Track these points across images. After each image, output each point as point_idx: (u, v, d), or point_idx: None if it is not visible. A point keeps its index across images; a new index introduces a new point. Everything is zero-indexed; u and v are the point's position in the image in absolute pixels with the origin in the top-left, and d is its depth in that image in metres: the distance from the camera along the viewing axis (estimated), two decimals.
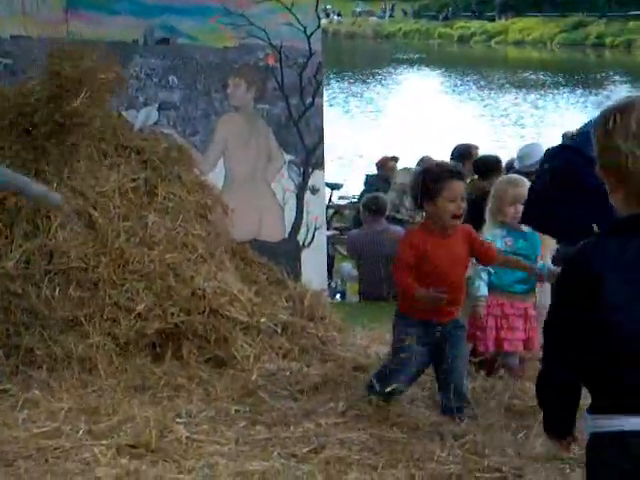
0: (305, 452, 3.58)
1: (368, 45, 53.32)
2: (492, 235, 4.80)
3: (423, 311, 4.15)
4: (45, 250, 5.03)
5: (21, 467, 3.26)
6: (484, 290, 4.64)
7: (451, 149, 8.55)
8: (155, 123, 6.10)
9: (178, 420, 3.89)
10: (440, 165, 4.59)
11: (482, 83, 32.70)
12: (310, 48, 6.29)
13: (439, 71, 38.97)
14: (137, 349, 4.80)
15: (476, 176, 7.39)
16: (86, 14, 5.99)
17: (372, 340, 5.29)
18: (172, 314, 4.91)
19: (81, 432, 3.61)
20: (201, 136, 6.18)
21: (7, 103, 5.55)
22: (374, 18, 59.89)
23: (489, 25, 54.00)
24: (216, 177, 6.14)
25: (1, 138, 5.42)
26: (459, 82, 33.89)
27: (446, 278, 4.17)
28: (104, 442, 3.52)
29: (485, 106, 26.74)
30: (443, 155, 8.78)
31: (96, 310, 4.84)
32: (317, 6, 6.37)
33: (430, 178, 4.26)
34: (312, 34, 6.28)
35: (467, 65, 39.69)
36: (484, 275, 4.61)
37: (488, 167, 7.32)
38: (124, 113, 6.02)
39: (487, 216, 5.05)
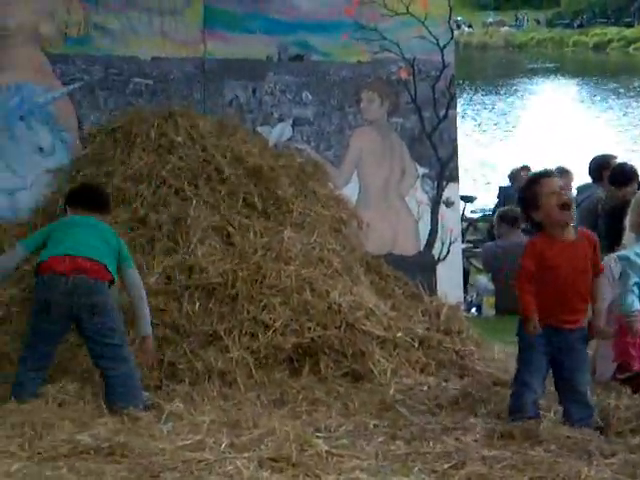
0: (446, 468, 3.52)
1: (500, 55, 52.64)
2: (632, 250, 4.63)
3: (548, 317, 4.06)
4: (185, 266, 5.14)
5: (168, 479, 3.33)
6: (637, 304, 4.45)
7: (588, 160, 8.33)
8: (289, 139, 6.18)
9: (318, 434, 3.89)
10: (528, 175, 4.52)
11: (621, 91, 31.80)
12: (443, 60, 6.27)
13: (575, 80, 38.12)
14: (275, 363, 4.84)
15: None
16: (222, 33, 6.12)
17: (510, 355, 5.18)
18: (309, 329, 4.94)
19: (224, 445, 3.65)
20: (335, 151, 6.22)
21: (147, 123, 5.74)
22: (506, 28, 59.09)
23: (627, 31, 52.55)
24: (350, 191, 6.16)
25: (142, 156, 5.59)
26: (596, 90, 33.06)
27: (570, 286, 4.07)
28: (246, 455, 3.55)
29: (624, 114, 26.00)
30: (580, 166, 8.58)
31: (235, 325, 4.91)
32: (450, 18, 6.33)
33: (524, 188, 4.29)
34: (445, 46, 6.26)
35: (604, 73, 38.68)
36: (636, 289, 4.44)
37: (625, 176, 7.10)
38: (259, 129, 6.13)
39: (627, 226, 4.91)
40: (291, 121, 6.20)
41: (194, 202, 5.40)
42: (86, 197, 4.82)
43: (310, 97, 6.22)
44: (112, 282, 4.50)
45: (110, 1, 6.02)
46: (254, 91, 6.17)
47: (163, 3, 6.05)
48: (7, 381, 4.40)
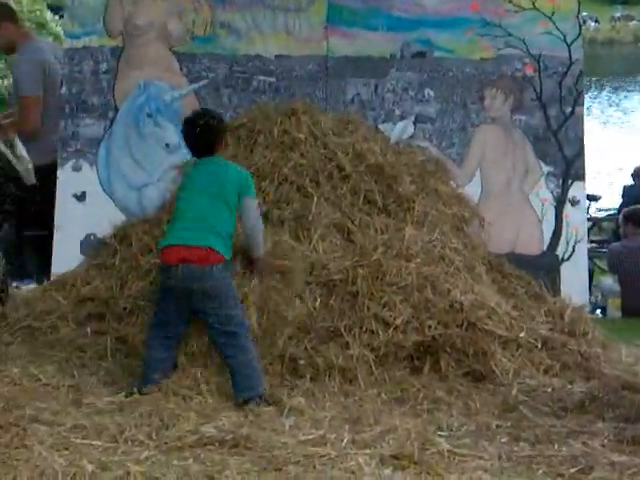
0: (572, 472, 3.44)
1: (627, 51, 51.20)
2: None
3: None
4: (307, 262, 5.17)
5: (291, 472, 3.35)
6: None
7: None
8: (411, 136, 6.14)
9: (439, 433, 3.86)
10: None
11: None
12: (570, 56, 6.13)
13: None
14: (395, 361, 4.82)
15: None
16: (345, 30, 6.14)
17: (639, 358, 5.05)
18: (429, 327, 4.90)
19: (345, 441, 3.66)
20: (457, 148, 6.16)
21: (270, 120, 5.79)
22: (634, 22, 57.38)
23: None
24: (472, 189, 6.09)
25: (265, 154, 5.65)
26: None
27: None
28: (367, 452, 3.55)
29: None
30: None
31: (355, 322, 4.91)
32: (579, 12, 6.19)
33: None
34: (573, 42, 6.12)
35: None
36: None
37: None
38: (381, 126, 6.12)
39: None
40: (413, 118, 6.16)
41: (315, 199, 5.42)
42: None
43: (432, 94, 6.17)
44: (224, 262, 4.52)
45: (236, 0, 6.12)
46: (376, 88, 6.17)
47: (288, 1, 6.11)
48: (135, 372, 4.54)
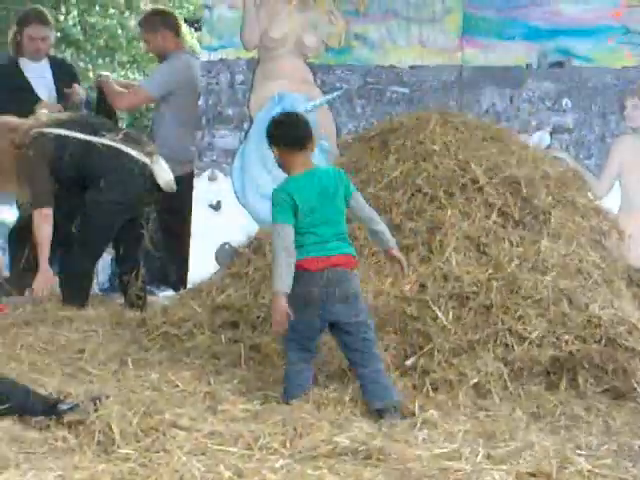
0: None
1: None
2: None
3: None
4: (439, 274, 5.12)
5: None
6: None
7: None
8: (548, 147, 6.03)
9: (578, 452, 3.75)
10: None
11: None
12: None
13: None
14: (530, 376, 4.72)
15: None
16: (480, 41, 6.09)
17: None
18: (566, 342, 4.78)
19: (480, 456, 3.60)
20: (596, 159, 6.03)
21: (403, 131, 5.78)
22: None
23: None
24: (611, 202, 5.94)
25: (398, 165, 5.64)
26: None
27: None
28: (503, 467, 3.48)
29: None
30: None
31: (489, 335, 4.83)
32: None
33: None
34: None
35: None
36: None
37: None
38: None
39: None
40: (549, 129, 6.05)
41: (449, 211, 5.37)
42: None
43: (570, 104, 6.05)
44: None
45: (370, 12, 6.15)
46: (511, 99, 6.09)
47: (422, 12, 6.10)
48: (267, 380, 4.59)
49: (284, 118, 4.63)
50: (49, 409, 3.85)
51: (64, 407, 3.83)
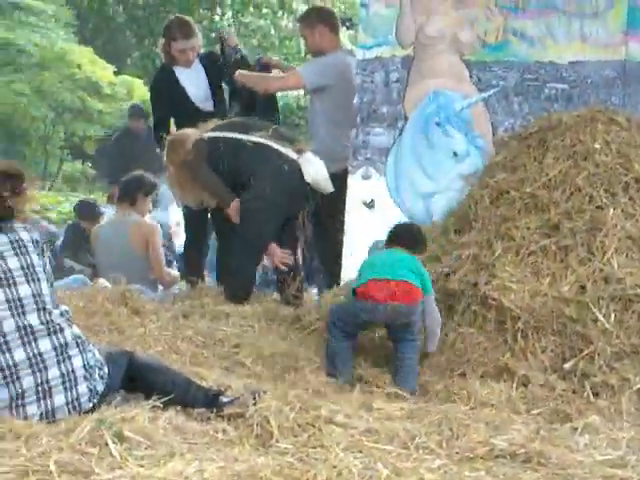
0: None
1: None
2: None
3: None
4: (599, 276, 4.98)
5: None
6: None
7: None
8: None
9: None
10: None
11: None
12: None
13: None
14: None
15: None
16: None
17: None
18: None
19: None
20: None
21: (562, 129, 5.64)
22: None
23: None
24: None
25: (556, 163, 5.51)
26: None
27: None
28: None
29: None
30: None
31: None
32: None
33: None
34: None
35: None
36: None
37: None
38: None
39: None
40: None
41: (611, 210, 5.21)
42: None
43: None
44: None
45: (529, 7, 6.02)
46: None
47: (584, 6, 5.94)
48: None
49: None
50: (210, 401, 3.94)
51: (225, 400, 3.92)
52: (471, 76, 6.12)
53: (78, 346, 3.83)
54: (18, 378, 3.67)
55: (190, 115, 6.49)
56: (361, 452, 3.48)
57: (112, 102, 21.16)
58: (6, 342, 3.68)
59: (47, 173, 22.88)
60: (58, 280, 6.96)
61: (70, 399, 3.77)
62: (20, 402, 3.67)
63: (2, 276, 3.73)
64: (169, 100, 6.72)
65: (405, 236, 5.01)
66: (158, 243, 6.94)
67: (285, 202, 5.89)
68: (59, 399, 3.74)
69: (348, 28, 16.42)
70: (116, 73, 21.51)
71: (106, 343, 4.70)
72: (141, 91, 20.60)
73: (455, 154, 6.12)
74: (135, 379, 4.03)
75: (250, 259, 5.97)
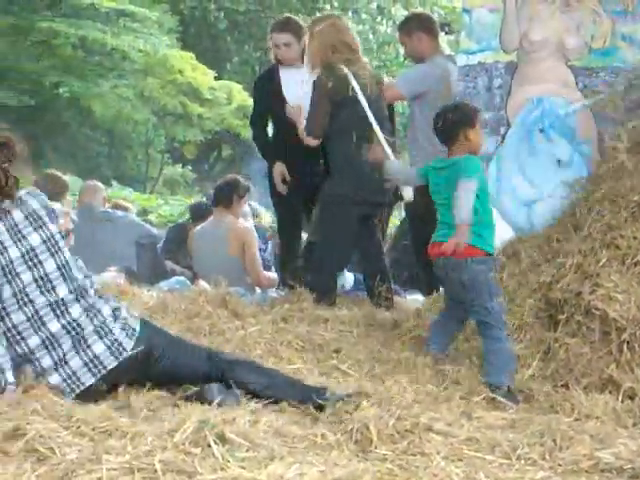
0: None
1: None
2: None
3: None
4: None
5: None
6: None
7: None
8: None
9: None
10: None
11: None
12: None
13: None
14: None
15: None
16: None
17: None
18: None
19: None
20: None
21: None
22: None
23: None
24: None
25: None
26: None
27: None
28: None
29: None
30: None
31: None
32: None
33: None
34: None
35: None
36: None
37: None
38: None
39: None
40: None
41: None
42: None
43: None
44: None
45: (639, 11, 5.89)
46: None
47: None
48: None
49: None
50: (309, 398, 3.98)
51: (323, 398, 3.95)
52: (577, 82, 6.00)
53: (102, 297, 4.08)
54: (59, 345, 3.94)
55: (287, 119, 6.52)
56: (461, 461, 3.44)
57: (212, 107, 21.51)
58: (40, 317, 3.91)
59: (148, 176, 23.34)
60: (159, 282, 7.12)
61: (109, 344, 3.98)
62: (63, 363, 3.93)
63: (27, 257, 3.86)
64: (266, 98, 6.77)
65: None
66: (254, 246, 7.01)
67: (362, 199, 5.96)
68: (98, 347, 3.97)
69: (447, 33, 16.34)
70: (216, 78, 21.85)
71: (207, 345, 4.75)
72: (240, 96, 20.89)
73: (559, 161, 6.01)
74: (226, 373, 4.13)
75: (330, 256, 6.03)
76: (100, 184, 9.39)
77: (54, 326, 3.93)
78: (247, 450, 3.36)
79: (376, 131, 6.03)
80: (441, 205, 4.93)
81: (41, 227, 3.95)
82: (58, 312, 3.93)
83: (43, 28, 20.26)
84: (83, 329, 3.96)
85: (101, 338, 3.98)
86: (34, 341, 3.91)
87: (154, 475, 3.08)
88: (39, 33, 20.85)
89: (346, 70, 6.02)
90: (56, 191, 7.34)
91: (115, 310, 4.08)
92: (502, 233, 5.80)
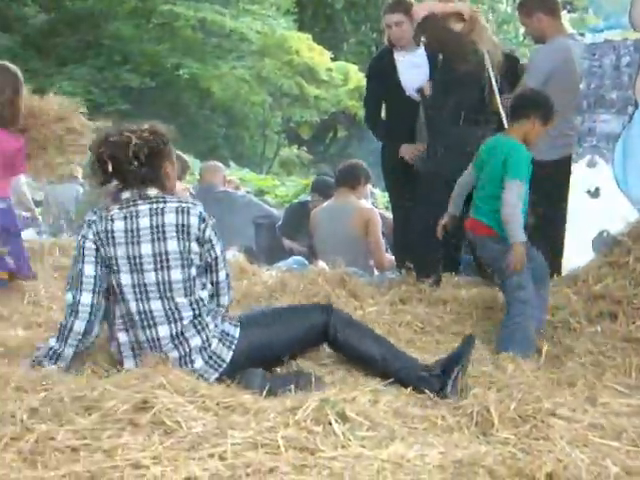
0: None
1: None
2: None
3: None
4: None
5: None
6: None
7: None
8: None
9: None
10: None
11: None
12: None
13: None
14: None
15: None
16: None
17: None
18: None
19: None
20: None
21: None
22: None
23: None
24: None
25: None
26: None
27: None
28: None
29: None
30: None
31: None
32: None
33: None
34: None
35: None
36: None
37: None
38: None
39: None
40: None
41: None
42: None
43: None
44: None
45: None
46: None
47: None
48: None
49: None
50: (423, 380, 3.97)
51: (437, 379, 3.94)
52: None
53: (195, 327, 3.97)
54: (141, 350, 3.97)
55: (400, 103, 6.47)
56: (586, 447, 3.38)
57: (328, 88, 21.57)
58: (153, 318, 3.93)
59: (264, 158, 23.59)
60: (278, 261, 7.19)
61: (207, 358, 3.97)
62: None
63: (132, 261, 3.89)
64: (380, 82, 6.72)
65: None
66: (378, 227, 7.01)
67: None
68: (197, 363, 3.96)
69: (569, 12, 15.95)
70: (333, 59, 21.89)
71: None
72: (357, 77, 20.88)
73: None
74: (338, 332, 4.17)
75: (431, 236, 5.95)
76: (220, 164, 9.54)
77: (163, 330, 3.95)
78: (368, 429, 3.37)
79: (501, 111, 5.91)
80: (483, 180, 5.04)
81: (159, 240, 3.93)
82: (145, 324, 3.94)
83: (164, 11, 20.69)
84: (190, 345, 3.97)
85: (199, 352, 3.97)
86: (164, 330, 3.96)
87: (277, 451, 3.12)
88: (160, 16, 21.30)
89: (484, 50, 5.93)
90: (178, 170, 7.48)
91: (205, 341, 4.01)
92: (628, 215, 5.66)
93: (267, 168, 22.12)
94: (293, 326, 4.16)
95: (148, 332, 3.95)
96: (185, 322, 3.95)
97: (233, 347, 4.00)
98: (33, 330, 4.84)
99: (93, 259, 3.97)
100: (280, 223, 8.52)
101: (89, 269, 3.97)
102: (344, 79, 21.68)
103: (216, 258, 4.06)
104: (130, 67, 20.44)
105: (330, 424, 3.33)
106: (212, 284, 4.10)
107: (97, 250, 3.97)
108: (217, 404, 3.48)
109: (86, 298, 3.96)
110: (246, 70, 20.98)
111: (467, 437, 3.53)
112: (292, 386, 3.80)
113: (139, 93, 20.34)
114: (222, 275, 4.12)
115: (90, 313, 3.97)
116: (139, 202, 3.99)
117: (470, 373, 4.21)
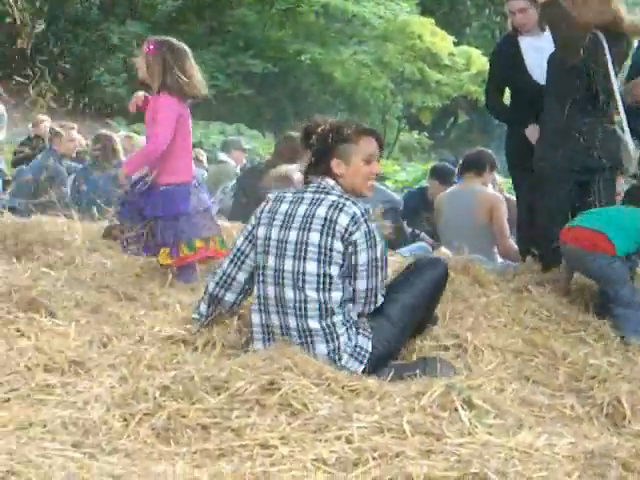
0: None
1: None
2: None
3: None
4: None
5: None
6: None
7: None
8: None
9: None
10: None
11: None
12: None
13: None
14: None
15: None
16: None
17: None
18: None
19: None
20: None
21: None
22: None
23: None
24: None
25: None
26: None
27: None
28: None
29: None
30: None
31: None
32: None
33: None
34: None
35: None
36: None
37: None
38: None
39: None
40: None
41: None
42: None
43: None
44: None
45: None
46: None
47: None
48: None
49: None
50: None
51: None
52: None
53: (326, 335, 3.87)
54: (272, 334, 3.97)
55: (527, 88, 6.31)
56: None
57: (451, 73, 21.36)
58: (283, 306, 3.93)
59: (385, 142, 23.55)
60: (401, 246, 7.17)
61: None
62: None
63: (280, 245, 3.92)
64: (505, 69, 6.58)
65: None
66: (503, 214, 6.91)
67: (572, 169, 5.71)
68: None
69: None
70: (455, 44, 21.65)
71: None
72: (480, 61, 20.59)
73: None
74: None
75: (553, 224, 5.78)
76: None
77: (293, 321, 3.91)
78: (494, 417, 3.34)
79: (618, 102, 5.70)
80: None
81: (303, 229, 3.91)
82: (298, 313, 3.89)
83: None
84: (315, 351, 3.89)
85: (327, 362, 3.84)
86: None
87: (402, 435, 3.12)
88: (284, 1, 21.46)
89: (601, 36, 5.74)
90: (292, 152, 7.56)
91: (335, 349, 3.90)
92: None
93: (387, 153, 22.05)
94: (420, 310, 4.16)
95: (282, 319, 3.93)
96: (312, 323, 3.87)
97: (365, 361, 3.89)
98: None
99: (247, 234, 4.10)
100: (401, 208, 8.48)
101: (241, 244, 4.12)
102: (466, 64, 21.41)
103: (356, 265, 3.90)
104: (253, 53, 20.67)
105: (456, 410, 3.31)
106: (353, 290, 3.97)
107: (253, 228, 4.07)
108: (342, 387, 3.50)
109: (230, 268, 4.16)
110: (368, 55, 20.96)
111: (597, 428, 3.47)
112: (418, 371, 3.78)
113: (262, 78, 20.57)
114: (360, 284, 3.94)
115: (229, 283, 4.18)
116: (309, 189, 4.02)
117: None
